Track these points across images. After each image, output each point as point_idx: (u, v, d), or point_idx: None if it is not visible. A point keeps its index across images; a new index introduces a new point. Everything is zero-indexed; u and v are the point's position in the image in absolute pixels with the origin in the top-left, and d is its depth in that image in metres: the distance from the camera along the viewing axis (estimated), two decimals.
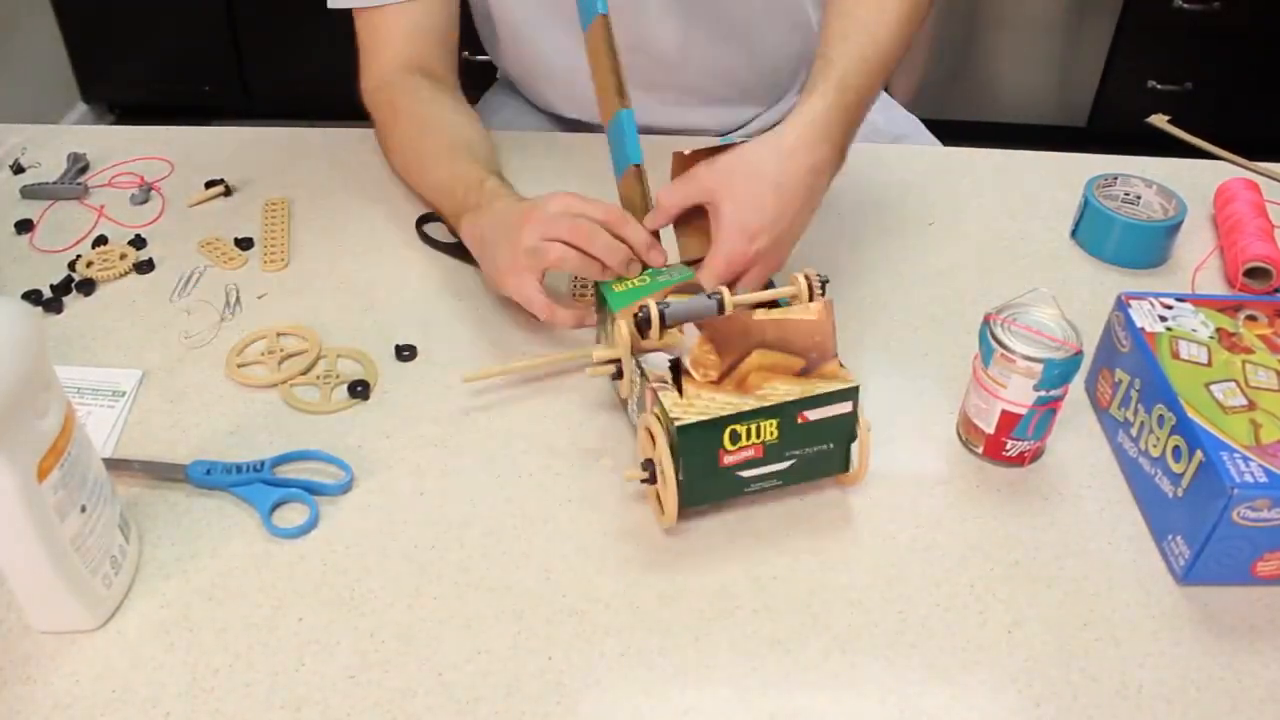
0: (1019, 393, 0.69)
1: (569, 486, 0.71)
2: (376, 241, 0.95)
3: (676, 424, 0.64)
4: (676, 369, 0.68)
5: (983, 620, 0.64)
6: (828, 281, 0.72)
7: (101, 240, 0.94)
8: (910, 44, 0.86)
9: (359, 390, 0.78)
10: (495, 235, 0.81)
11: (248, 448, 0.74)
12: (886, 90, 1.24)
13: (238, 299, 0.88)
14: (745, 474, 0.67)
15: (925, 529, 0.69)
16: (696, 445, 0.65)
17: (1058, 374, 0.68)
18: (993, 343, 0.69)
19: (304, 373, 0.80)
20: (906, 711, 0.59)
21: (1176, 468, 0.66)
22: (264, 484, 0.70)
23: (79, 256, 0.91)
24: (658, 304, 0.70)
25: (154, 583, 0.65)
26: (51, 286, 0.87)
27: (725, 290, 0.71)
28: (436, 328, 0.85)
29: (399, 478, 0.72)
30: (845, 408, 0.67)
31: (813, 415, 0.67)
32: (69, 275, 0.89)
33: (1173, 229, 0.93)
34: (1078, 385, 0.79)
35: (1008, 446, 0.72)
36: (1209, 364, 0.70)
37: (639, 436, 0.71)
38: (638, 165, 0.79)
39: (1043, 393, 0.69)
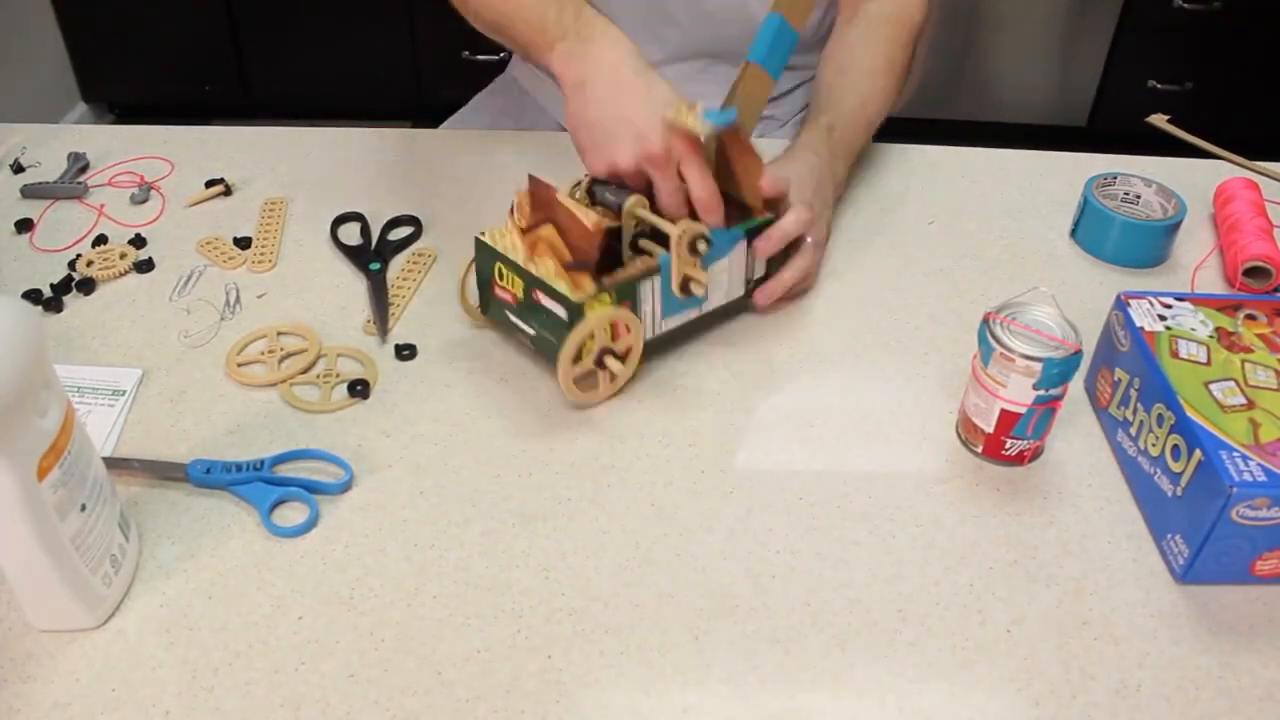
0: (1018, 392, 0.69)
1: (569, 486, 0.72)
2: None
3: (478, 237, 0.78)
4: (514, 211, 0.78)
5: (982, 619, 0.64)
6: (707, 246, 0.77)
7: (101, 240, 0.94)
8: (890, 109, 1.00)
9: (359, 390, 0.78)
10: (604, 104, 0.79)
11: (247, 447, 0.74)
12: None
13: (237, 298, 0.88)
14: (509, 314, 0.78)
15: (924, 528, 0.69)
16: (483, 261, 0.79)
17: (1057, 373, 0.68)
18: (992, 342, 0.69)
19: (304, 371, 0.80)
20: (905, 710, 0.59)
21: (1175, 467, 0.66)
22: (264, 483, 0.70)
23: (79, 256, 0.91)
24: (597, 180, 0.81)
25: (154, 582, 0.65)
26: (51, 286, 0.88)
27: (635, 200, 0.77)
28: (436, 326, 0.85)
29: (399, 477, 0.72)
30: (562, 312, 0.74)
31: (543, 300, 0.74)
32: (69, 274, 0.89)
33: (1172, 228, 0.93)
34: (1077, 384, 0.79)
35: (1007, 446, 0.72)
36: (1208, 363, 0.70)
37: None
38: (749, 62, 0.81)
39: (1042, 392, 0.69)
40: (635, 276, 0.76)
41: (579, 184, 0.81)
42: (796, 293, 0.88)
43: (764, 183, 0.80)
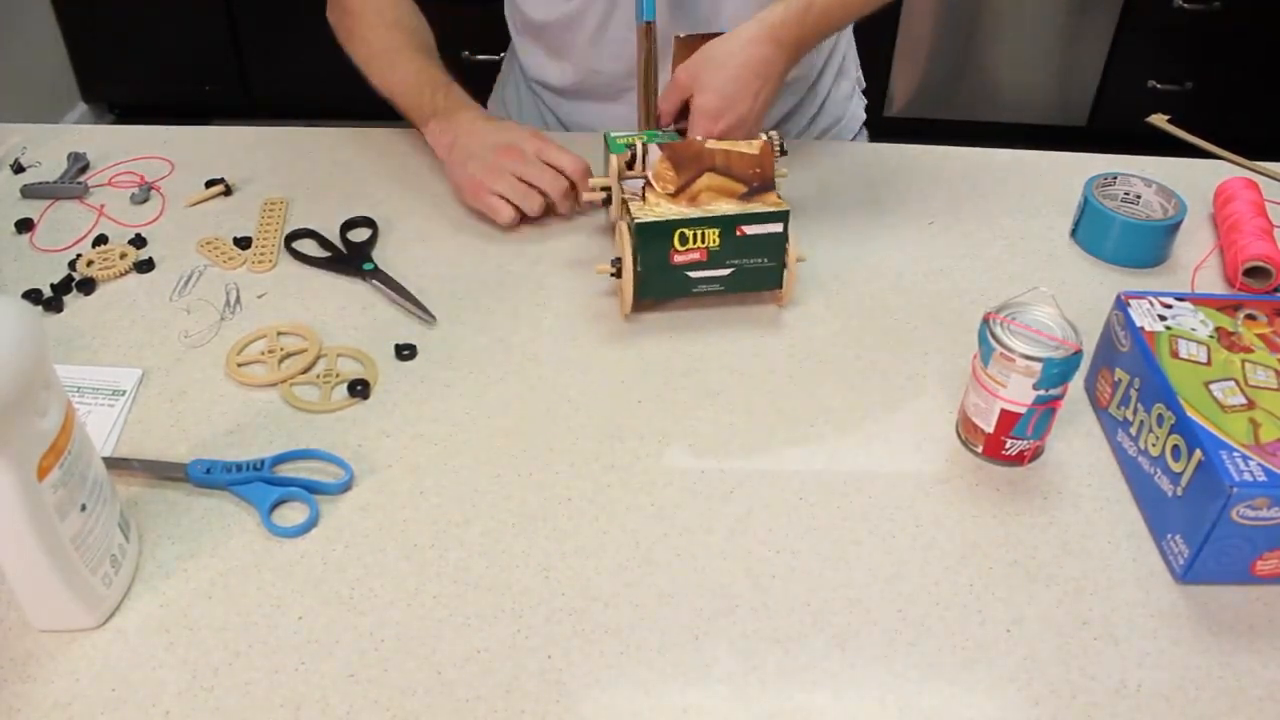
0: (1018, 392, 0.69)
1: (569, 485, 0.72)
2: (376, 240, 0.95)
3: (636, 221, 0.81)
4: (645, 185, 0.84)
5: (982, 619, 0.64)
6: (784, 146, 0.86)
7: (101, 240, 0.94)
8: None
9: (359, 389, 0.78)
10: (469, 149, 0.96)
11: (247, 447, 0.74)
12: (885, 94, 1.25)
13: (237, 298, 0.88)
14: (693, 274, 0.83)
15: (924, 528, 0.69)
16: (652, 241, 0.81)
17: (1057, 373, 0.68)
18: (992, 342, 0.69)
19: (304, 371, 0.80)
20: (905, 710, 0.59)
21: (1176, 467, 0.66)
22: (264, 483, 0.70)
23: (79, 256, 0.91)
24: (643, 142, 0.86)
25: (154, 582, 0.65)
26: (52, 286, 0.88)
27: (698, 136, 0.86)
28: (436, 326, 0.85)
29: (399, 477, 0.72)
30: (777, 228, 0.82)
31: (749, 230, 0.81)
32: (69, 274, 0.89)
33: (1172, 228, 0.93)
34: (1077, 384, 0.79)
35: (1007, 445, 0.72)
36: (1208, 363, 0.70)
37: (615, 240, 0.86)
38: (649, 23, 0.92)
39: (1042, 392, 0.69)
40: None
41: (624, 158, 0.86)
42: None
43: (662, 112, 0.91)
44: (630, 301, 0.83)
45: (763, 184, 0.83)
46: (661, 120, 0.93)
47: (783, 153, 0.85)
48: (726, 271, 0.83)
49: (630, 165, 0.86)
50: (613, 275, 0.84)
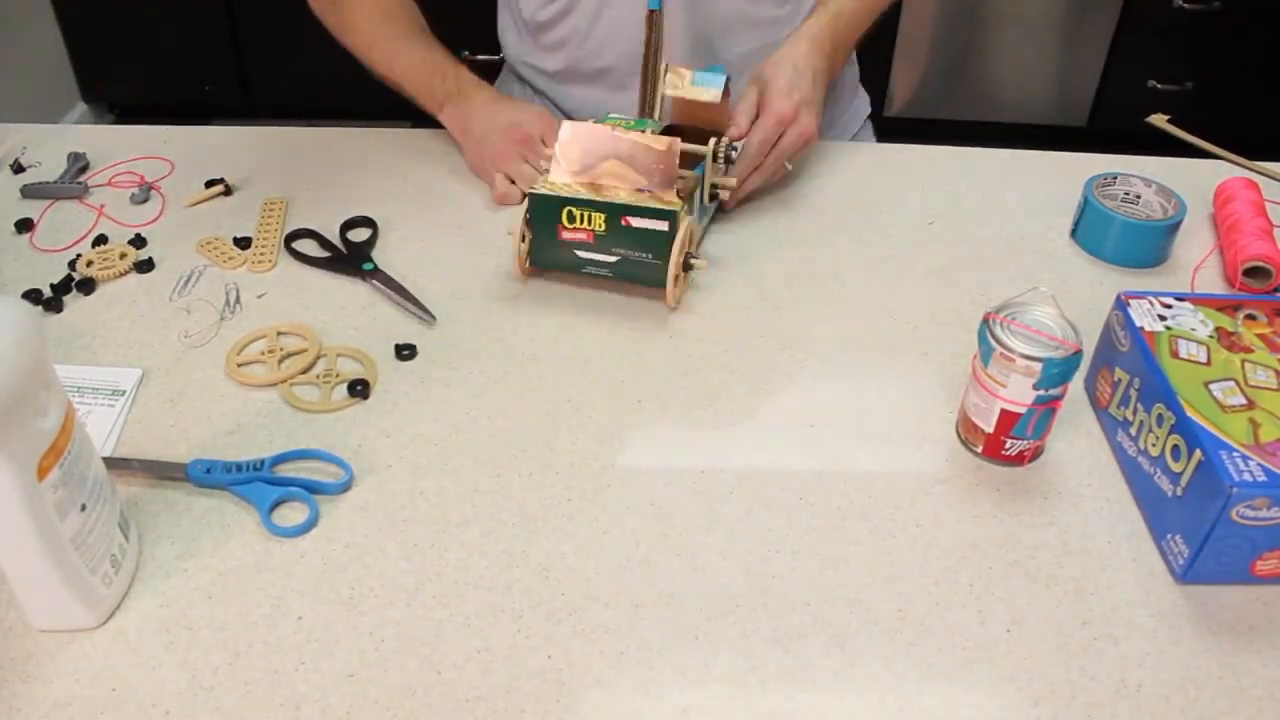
0: (1018, 392, 0.69)
1: (568, 485, 0.72)
2: (376, 240, 0.94)
3: (529, 191, 0.84)
4: (553, 159, 0.85)
5: (981, 619, 0.64)
6: (732, 157, 0.89)
7: (101, 240, 0.94)
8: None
9: (359, 389, 0.78)
10: (481, 131, 1.01)
11: (247, 447, 0.74)
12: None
13: (237, 298, 0.88)
14: (580, 254, 0.84)
15: (924, 528, 0.69)
16: (541, 214, 0.84)
17: (1057, 373, 0.68)
18: (992, 342, 0.69)
19: (304, 371, 0.80)
20: (905, 710, 0.59)
21: (1175, 467, 0.66)
22: (264, 483, 0.70)
23: (79, 256, 0.91)
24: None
25: (154, 581, 0.65)
26: (51, 286, 0.88)
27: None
28: (436, 326, 0.85)
29: (399, 477, 0.72)
30: (662, 225, 0.81)
31: (634, 222, 0.82)
32: (69, 274, 0.89)
33: (1172, 228, 0.93)
34: (1077, 384, 0.79)
35: (1007, 445, 0.72)
36: (1208, 363, 0.70)
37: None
38: (653, 10, 0.92)
39: (1042, 392, 0.69)
40: (691, 188, 0.87)
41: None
42: (779, 177, 0.98)
43: (754, 129, 0.93)
44: (520, 268, 0.87)
45: (663, 180, 0.83)
46: (734, 133, 0.93)
47: (727, 161, 0.88)
48: (612, 259, 0.84)
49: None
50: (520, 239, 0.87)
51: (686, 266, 0.86)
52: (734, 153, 0.89)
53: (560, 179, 0.85)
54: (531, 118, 1.00)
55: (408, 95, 1.05)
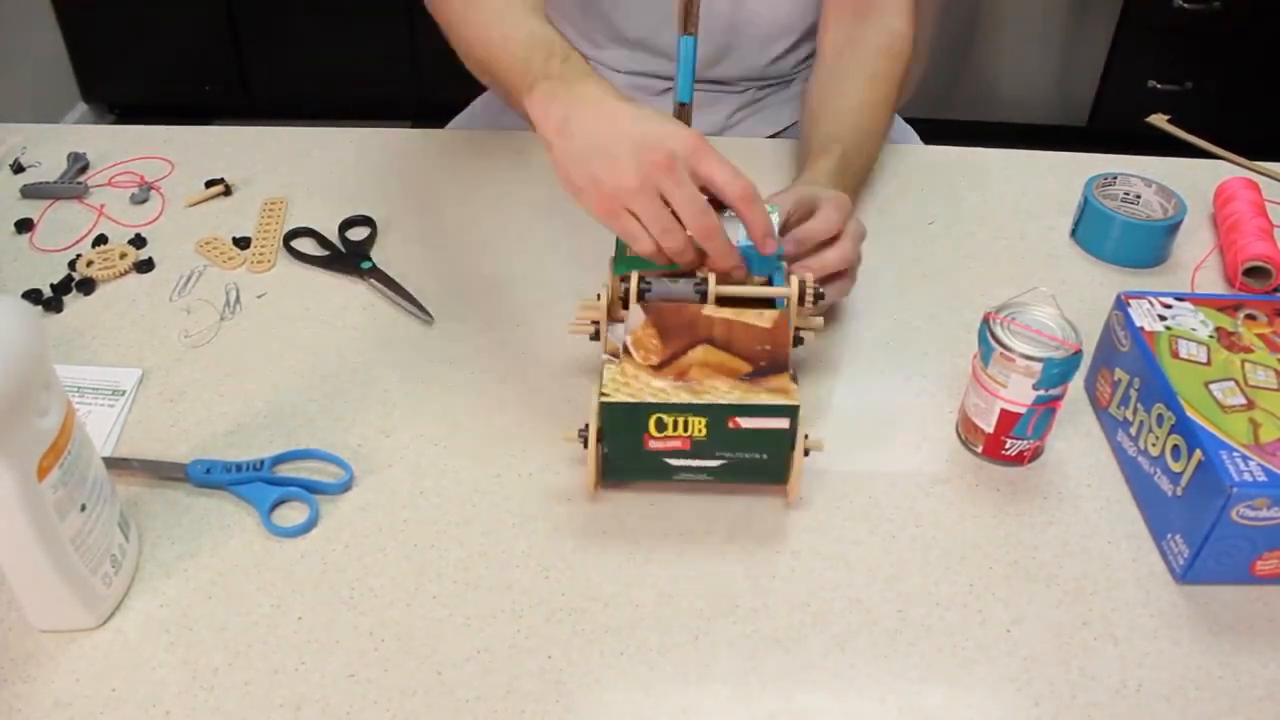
0: (1018, 392, 0.69)
1: (569, 485, 0.72)
2: (376, 240, 0.94)
3: (602, 399, 0.65)
4: (624, 350, 0.68)
5: (982, 619, 0.64)
6: (823, 296, 0.70)
7: (101, 240, 0.94)
8: (892, 118, 1.02)
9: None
10: (595, 139, 0.70)
11: (247, 447, 0.74)
12: None
13: (237, 298, 0.88)
14: (672, 462, 0.67)
15: (925, 528, 0.69)
16: (620, 424, 0.66)
17: (1057, 373, 0.68)
18: (992, 342, 0.69)
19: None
20: (905, 710, 0.59)
21: (1175, 467, 0.66)
22: (264, 483, 0.70)
23: (79, 256, 0.91)
24: (641, 279, 0.69)
25: (154, 582, 0.65)
26: (51, 286, 0.88)
27: (711, 278, 0.69)
28: (436, 326, 0.85)
29: (399, 477, 0.72)
30: (781, 423, 0.66)
31: (745, 423, 0.65)
32: (69, 274, 0.89)
33: (1172, 228, 0.93)
34: (1077, 384, 0.79)
35: (1007, 445, 0.72)
36: (1208, 363, 0.70)
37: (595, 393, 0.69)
38: (683, 104, 0.81)
39: (1042, 392, 0.69)
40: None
41: (619, 288, 0.70)
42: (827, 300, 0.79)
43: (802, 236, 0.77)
44: (592, 483, 0.68)
45: (773, 365, 0.67)
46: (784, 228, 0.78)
47: (817, 299, 0.69)
48: (716, 464, 0.67)
49: (625, 303, 0.69)
50: (579, 440, 0.69)
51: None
52: (821, 294, 0.70)
53: (636, 375, 0.67)
54: (681, 135, 0.68)
55: (494, 76, 0.83)
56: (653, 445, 0.66)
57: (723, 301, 0.69)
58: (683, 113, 0.81)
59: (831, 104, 0.98)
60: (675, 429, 0.66)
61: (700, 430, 0.66)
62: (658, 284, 0.69)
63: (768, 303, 0.70)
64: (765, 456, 0.67)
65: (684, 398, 0.65)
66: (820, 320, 0.73)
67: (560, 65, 0.76)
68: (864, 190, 1.03)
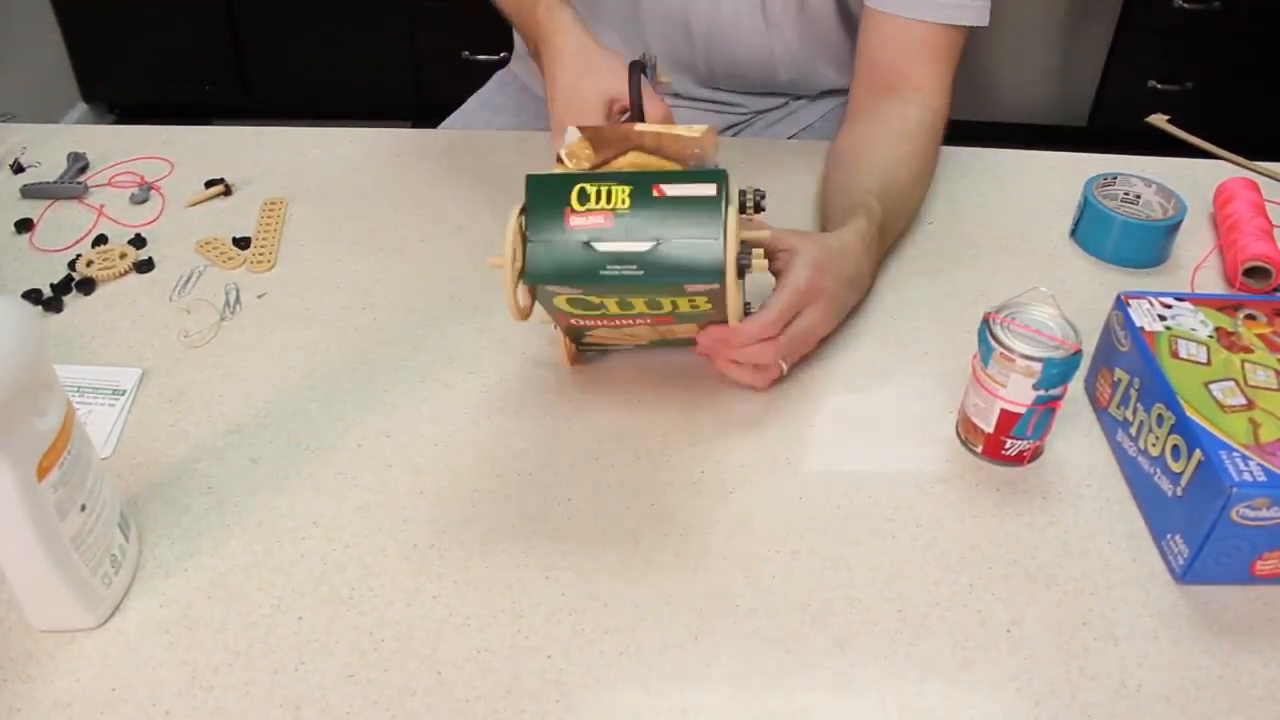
0: (1018, 392, 0.69)
1: (569, 485, 0.72)
2: (376, 241, 0.95)
3: (527, 176, 0.63)
4: (556, 161, 0.68)
5: (981, 619, 0.64)
6: (763, 195, 0.69)
7: (101, 240, 0.94)
8: (929, 181, 0.97)
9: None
10: (559, 86, 0.84)
11: (247, 447, 0.74)
12: None
13: (237, 298, 0.88)
14: (599, 246, 0.62)
15: (924, 528, 0.69)
16: (543, 198, 0.63)
17: (1057, 373, 0.68)
18: (992, 342, 0.69)
19: None
20: (905, 710, 0.59)
21: (1175, 467, 0.66)
22: None
23: (79, 256, 0.91)
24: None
25: (154, 582, 0.65)
26: (51, 286, 0.88)
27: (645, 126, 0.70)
28: (436, 326, 0.85)
29: (399, 477, 0.72)
30: (709, 189, 0.62)
31: (670, 190, 0.62)
32: (69, 274, 0.89)
33: (1172, 228, 0.93)
34: (1077, 384, 0.79)
35: (1007, 446, 0.72)
36: (1208, 363, 0.70)
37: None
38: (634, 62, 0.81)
39: (1042, 392, 0.69)
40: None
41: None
42: (764, 379, 0.77)
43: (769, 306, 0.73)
44: (515, 297, 0.64)
45: (700, 164, 0.67)
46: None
47: (757, 210, 0.69)
48: (645, 247, 0.62)
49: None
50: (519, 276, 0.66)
51: (740, 270, 0.66)
52: (762, 201, 0.69)
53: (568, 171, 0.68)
54: (615, 78, 0.81)
55: (525, 40, 0.91)
56: (574, 223, 0.63)
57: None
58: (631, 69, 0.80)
59: (878, 166, 0.91)
60: (598, 200, 0.63)
61: (624, 200, 0.62)
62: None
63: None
64: (696, 240, 0.63)
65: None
66: (765, 234, 0.72)
67: (547, 21, 0.86)
68: None
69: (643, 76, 0.80)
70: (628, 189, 0.62)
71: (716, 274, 0.63)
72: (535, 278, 0.64)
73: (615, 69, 0.82)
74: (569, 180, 0.63)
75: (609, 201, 0.63)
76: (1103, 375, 0.77)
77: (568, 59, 0.84)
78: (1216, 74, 2.48)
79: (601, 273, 0.63)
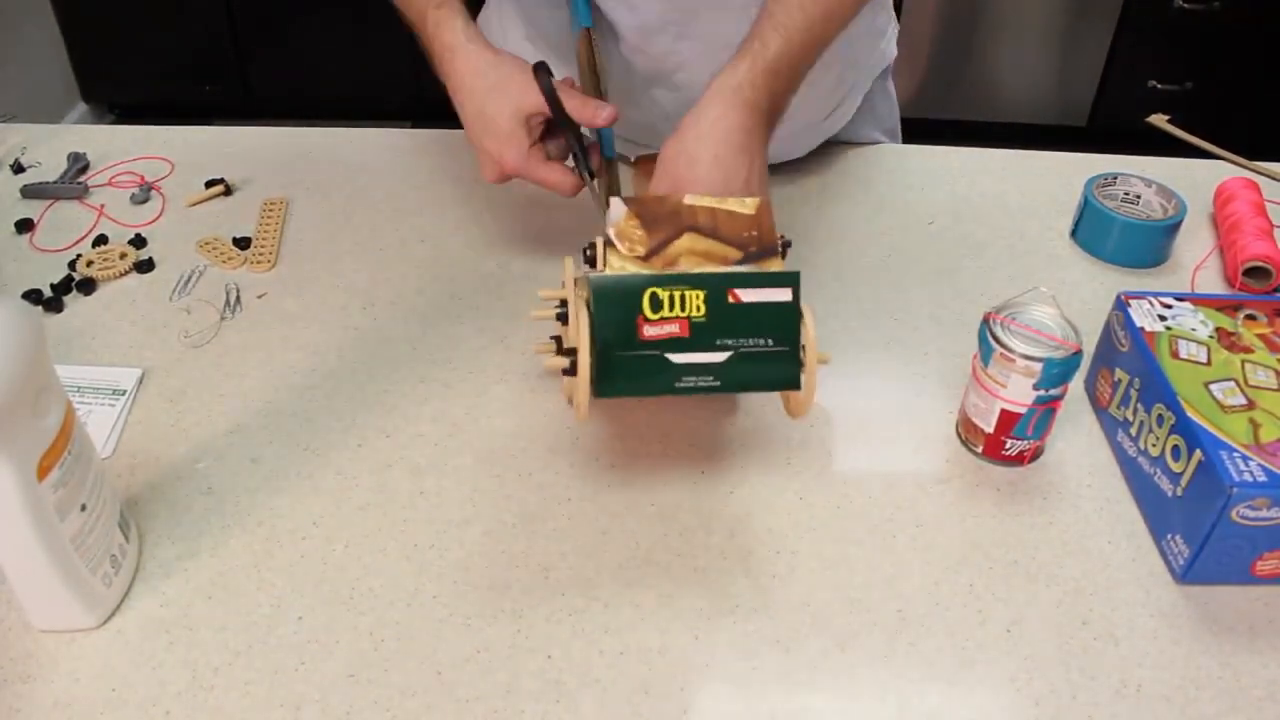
0: (1018, 392, 0.69)
1: (569, 485, 0.72)
2: (377, 241, 0.95)
3: (591, 279, 0.59)
4: (606, 245, 0.64)
5: (982, 619, 0.64)
6: (790, 244, 0.68)
7: (101, 240, 0.94)
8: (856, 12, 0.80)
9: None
10: (467, 114, 0.81)
11: (247, 447, 0.74)
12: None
13: (237, 298, 0.88)
14: (674, 358, 0.61)
15: (925, 528, 0.69)
16: (613, 306, 0.59)
17: (1057, 373, 0.68)
18: (992, 342, 0.69)
19: None
20: (905, 710, 0.59)
21: (1176, 467, 0.66)
22: None
23: (79, 256, 0.91)
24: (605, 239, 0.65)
25: (154, 582, 0.65)
26: (52, 286, 0.88)
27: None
28: (436, 326, 0.85)
29: (399, 477, 0.72)
30: (784, 294, 0.61)
31: (746, 296, 0.60)
32: (69, 274, 0.89)
33: (1172, 228, 0.93)
34: (1077, 384, 0.79)
35: (1007, 446, 0.72)
36: (1208, 363, 0.70)
37: (569, 330, 0.65)
38: (586, 29, 0.79)
39: (1042, 392, 0.69)
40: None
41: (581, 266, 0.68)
42: None
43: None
44: (585, 402, 0.61)
45: (762, 249, 0.64)
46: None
47: (784, 248, 0.68)
48: (721, 358, 0.61)
49: (592, 265, 0.66)
50: (565, 372, 0.63)
51: (783, 249, 0.66)
52: (787, 250, 0.69)
53: (624, 266, 0.63)
54: (506, 144, 0.79)
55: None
56: (648, 333, 0.60)
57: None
58: (587, 37, 0.80)
59: None
60: (672, 308, 0.60)
61: (698, 308, 0.60)
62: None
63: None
64: (772, 343, 0.62)
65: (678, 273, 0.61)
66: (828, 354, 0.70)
67: (435, 30, 0.82)
68: (863, 189, 1.03)
69: (551, 77, 0.77)
70: (702, 294, 0.60)
71: (795, 382, 0.63)
72: (608, 393, 0.62)
73: (521, 82, 0.78)
74: (638, 284, 0.60)
75: (683, 308, 0.60)
76: (1103, 375, 0.77)
77: (468, 81, 0.80)
78: (1216, 74, 2.48)
79: (677, 385, 0.62)
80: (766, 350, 0.62)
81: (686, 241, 0.63)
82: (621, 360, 0.60)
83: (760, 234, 0.64)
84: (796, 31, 0.75)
